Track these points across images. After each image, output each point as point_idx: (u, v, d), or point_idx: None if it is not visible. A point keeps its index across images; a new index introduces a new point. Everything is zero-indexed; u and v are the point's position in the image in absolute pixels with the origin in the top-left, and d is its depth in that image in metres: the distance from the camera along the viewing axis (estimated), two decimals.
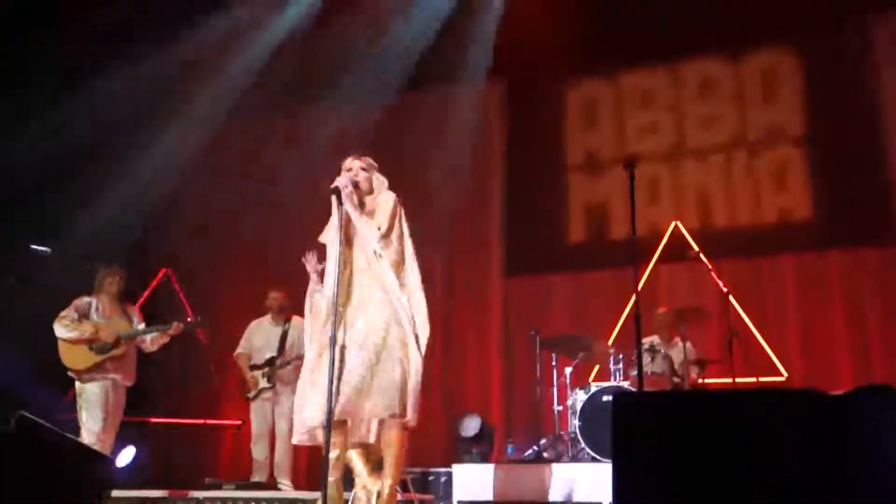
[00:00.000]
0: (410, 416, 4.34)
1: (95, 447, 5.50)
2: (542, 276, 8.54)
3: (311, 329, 4.61)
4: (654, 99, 8.49)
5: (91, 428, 5.69)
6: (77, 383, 5.86)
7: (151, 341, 6.06)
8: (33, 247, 5.70)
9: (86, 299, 5.96)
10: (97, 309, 5.96)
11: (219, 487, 6.88)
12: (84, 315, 5.89)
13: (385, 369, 4.29)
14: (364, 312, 4.37)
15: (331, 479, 4.31)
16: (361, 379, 4.23)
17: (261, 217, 8.64)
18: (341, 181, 4.41)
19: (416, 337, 4.41)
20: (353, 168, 4.55)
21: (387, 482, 4.32)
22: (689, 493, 2.61)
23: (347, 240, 4.47)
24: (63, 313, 5.86)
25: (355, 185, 4.48)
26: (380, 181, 4.61)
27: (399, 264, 4.43)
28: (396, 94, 8.66)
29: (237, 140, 9.18)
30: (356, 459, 4.72)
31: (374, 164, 4.66)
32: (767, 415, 2.66)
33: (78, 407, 5.81)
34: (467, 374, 8.52)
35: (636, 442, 2.67)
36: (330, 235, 4.52)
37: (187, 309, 8.48)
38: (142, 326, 6.03)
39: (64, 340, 5.81)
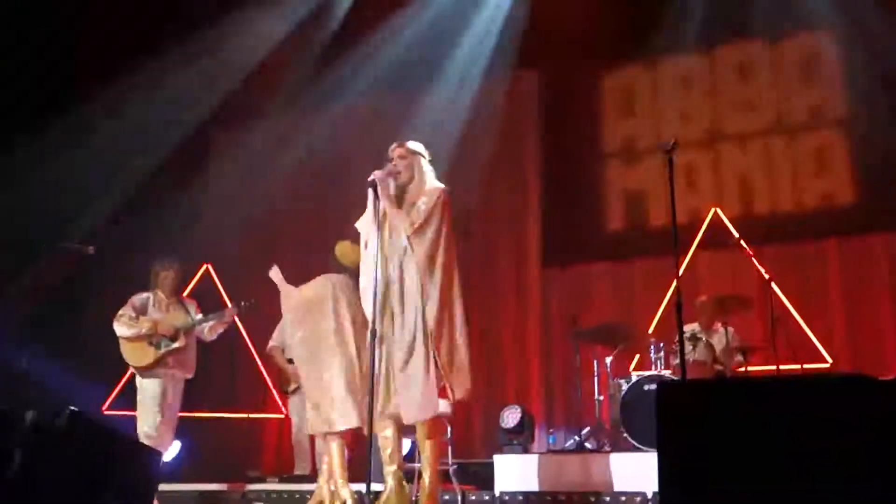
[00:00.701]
0: (429, 413, 4.27)
1: (152, 443, 5.56)
2: (581, 265, 8.50)
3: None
4: (692, 84, 8.38)
5: (148, 423, 5.71)
6: (137, 379, 5.88)
7: (209, 330, 6.05)
8: (74, 246, 5.79)
9: (143, 296, 5.97)
10: (154, 304, 5.96)
11: (262, 481, 6.98)
12: (142, 312, 5.90)
13: (413, 370, 4.26)
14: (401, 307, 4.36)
15: (389, 468, 4.35)
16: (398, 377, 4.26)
17: (300, 210, 8.69)
18: (378, 174, 4.39)
19: (429, 338, 4.28)
20: (393, 157, 4.50)
21: (427, 474, 4.32)
22: (736, 482, 2.58)
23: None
24: (121, 312, 5.88)
25: (395, 175, 4.45)
26: (425, 169, 4.51)
27: (431, 259, 4.32)
28: (431, 88, 8.65)
29: (274, 133, 9.25)
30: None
31: (418, 149, 4.56)
32: (816, 401, 2.63)
33: (137, 402, 5.83)
34: (507, 366, 8.51)
35: (681, 431, 2.65)
36: (364, 227, 4.51)
37: (228, 301, 8.58)
38: (199, 317, 6.02)
39: (124, 339, 5.83)
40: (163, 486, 5.86)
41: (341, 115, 8.95)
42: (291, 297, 5.30)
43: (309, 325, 5.19)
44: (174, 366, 5.85)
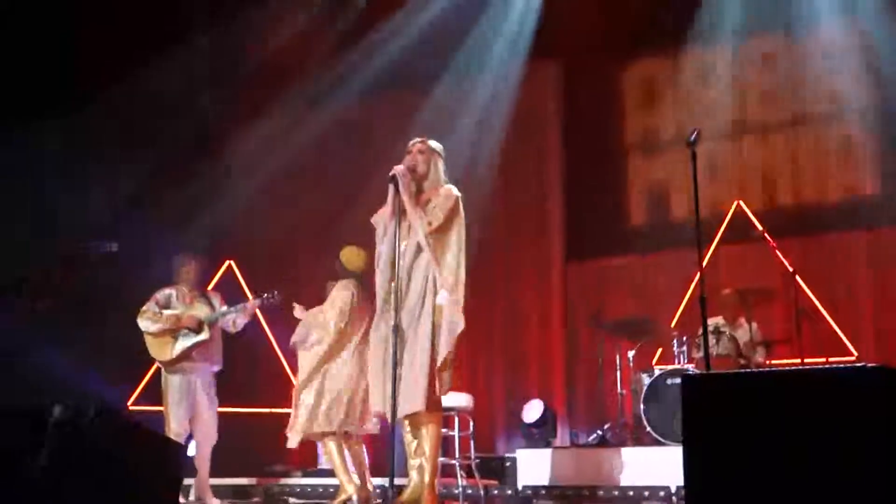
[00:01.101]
0: (423, 406, 4.22)
1: (180, 438, 5.58)
2: (603, 259, 8.47)
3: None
4: (714, 76, 8.31)
5: (176, 419, 5.71)
6: (163, 375, 5.88)
7: (234, 322, 6.04)
8: (99, 243, 5.83)
9: (166, 291, 5.95)
10: (177, 298, 5.94)
11: (286, 475, 7.01)
12: (165, 306, 5.89)
13: (417, 366, 4.25)
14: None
15: (413, 462, 4.35)
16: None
17: (322, 206, 8.70)
18: (399, 168, 4.41)
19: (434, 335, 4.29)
20: (412, 151, 4.53)
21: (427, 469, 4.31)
22: (761, 474, 2.56)
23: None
24: (144, 307, 5.88)
25: (412, 168, 4.47)
26: (440, 169, 4.55)
27: (443, 259, 4.34)
28: (449, 79, 8.64)
29: (293, 126, 9.27)
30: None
31: (438, 148, 4.60)
32: (841, 393, 2.61)
33: (163, 398, 5.83)
34: (529, 360, 8.50)
35: (707, 424, 2.64)
36: (382, 220, 4.53)
37: (251, 295, 8.63)
38: (223, 309, 6.00)
39: (149, 333, 5.83)
40: (191, 481, 5.90)
41: (359, 107, 8.96)
42: (319, 317, 5.46)
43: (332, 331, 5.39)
44: (199, 359, 5.84)
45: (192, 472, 5.78)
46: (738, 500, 2.57)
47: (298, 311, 5.61)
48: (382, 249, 4.50)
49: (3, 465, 2.94)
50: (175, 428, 5.68)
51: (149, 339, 5.85)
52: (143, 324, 5.83)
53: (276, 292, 5.96)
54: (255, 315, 6.44)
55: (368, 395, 4.93)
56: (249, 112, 9.04)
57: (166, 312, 5.86)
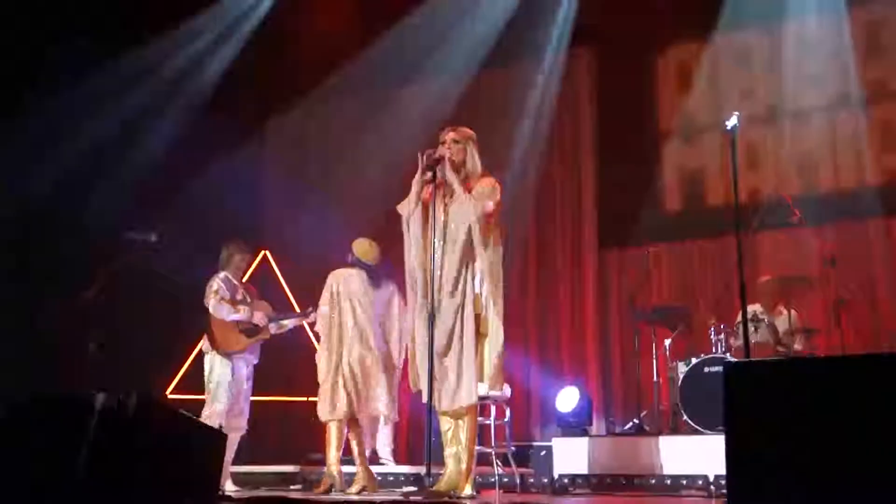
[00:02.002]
0: (463, 402, 4.28)
1: (221, 425, 5.62)
2: (638, 246, 8.40)
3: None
4: (752, 59, 8.19)
5: (220, 405, 5.75)
6: (208, 361, 5.89)
7: (280, 325, 6.11)
8: (136, 234, 5.87)
9: (220, 277, 5.91)
10: (230, 288, 5.94)
11: (323, 463, 7.05)
12: (231, 294, 5.89)
13: (452, 358, 4.30)
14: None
15: (449, 450, 4.37)
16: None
17: (357, 194, 8.73)
18: (443, 151, 4.43)
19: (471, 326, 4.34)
20: (446, 140, 4.51)
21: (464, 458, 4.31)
22: (804, 461, 2.53)
23: (426, 215, 4.48)
24: (218, 294, 5.83)
25: (448, 158, 4.47)
26: (476, 157, 4.54)
27: (484, 248, 4.38)
28: (483, 68, 8.60)
29: (332, 116, 9.31)
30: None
31: (471, 134, 4.58)
32: (883, 379, 2.57)
33: (207, 385, 5.87)
34: (564, 349, 8.47)
35: (748, 411, 2.61)
36: (407, 209, 4.54)
37: (285, 287, 8.68)
38: (287, 322, 6.17)
39: (221, 321, 5.82)
40: (235, 468, 5.96)
41: (393, 96, 8.96)
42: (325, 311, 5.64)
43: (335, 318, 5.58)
44: (247, 351, 5.90)
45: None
46: (780, 487, 2.54)
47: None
48: (412, 235, 4.50)
49: (49, 453, 2.99)
50: (219, 414, 5.70)
51: (218, 325, 5.83)
52: (221, 312, 5.80)
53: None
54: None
55: (373, 380, 5.06)
56: (289, 100, 9.09)
57: (240, 304, 5.87)
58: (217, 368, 5.83)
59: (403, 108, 8.83)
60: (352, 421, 5.57)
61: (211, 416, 5.71)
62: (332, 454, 5.52)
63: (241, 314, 5.83)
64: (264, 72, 9.00)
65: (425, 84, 8.79)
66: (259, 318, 5.88)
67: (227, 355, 5.81)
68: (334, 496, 5.29)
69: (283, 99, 9.32)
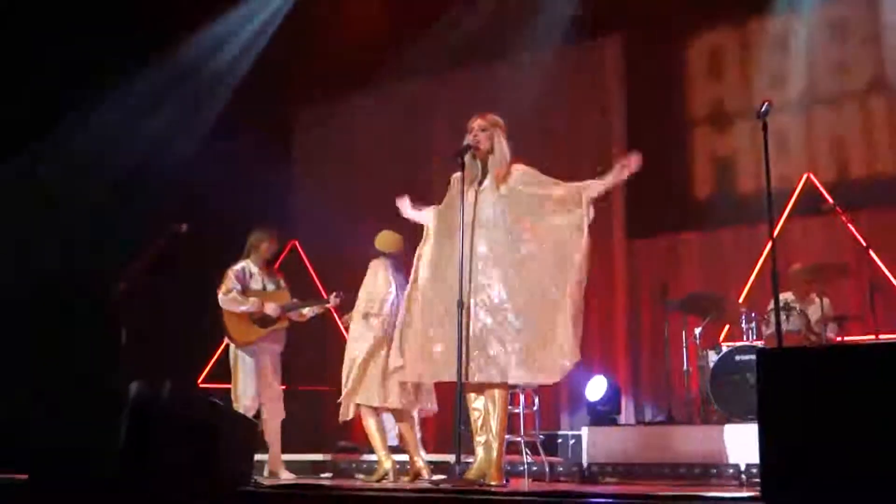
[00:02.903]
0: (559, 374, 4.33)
1: (249, 413, 5.65)
2: (668, 234, 8.33)
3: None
4: (784, 45, 8.07)
5: (248, 394, 5.76)
6: (232, 352, 5.92)
7: (302, 313, 6.09)
8: (170, 223, 5.92)
9: (238, 267, 5.92)
10: (250, 276, 5.94)
11: (354, 451, 7.11)
12: (244, 284, 5.89)
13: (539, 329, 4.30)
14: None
15: (479, 438, 4.37)
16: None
17: (385, 185, 8.74)
18: (469, 140, 4.43)
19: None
20: (473, 128, 4.50)
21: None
22: (840, 451, 2.51)
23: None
24: (227, 286, 5.84)
25: (476, 146, 4.46)
26: (504, 144, 4.52)
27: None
28: (512, 55, 8.57)
29: (360, 108, 9.32)
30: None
31: (498, 121, 4.57)
32: None
33: (233, 375, 5.89)
34: (592, 337, 8.41)
35: (783, 399, 2.58)
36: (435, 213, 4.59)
37: (315, 277, 8.73)
38: (306, 309, 6.09)
39: (230, 313, 5.84)
40: (262, 457, 5.99)
41: (420, 87, 8.95)
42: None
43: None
44: (269, 340, 5.90)
45: (263, 448, 5.88)
46: (815, 476, 2.52)
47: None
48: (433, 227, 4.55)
49: (85, 440, 3.04)
50: (246, 403, 5.75)
51: (229, 318, 5.86)
52: (228, 304, 5.82)
53: (341, 292, 6.00)
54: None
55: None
56: (318, 93, 9.11)
57: (250, 294, 5.86)
58: (236, 360, 5.87)
59: (431, 100, 8.82)
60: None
61: (238, 407, 5.74)
62: (379, 444, 5.54)
63: (250, 305, 5.81)
64: (292, 65, 9.02)
65: (453, 75, 8.77)
66: (271, 308, 5.85)
67: (244, 346, 5.83)
68: (364, 484, 5.31)
69: (311, 92, 9.34)
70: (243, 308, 5.81)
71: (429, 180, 7.93)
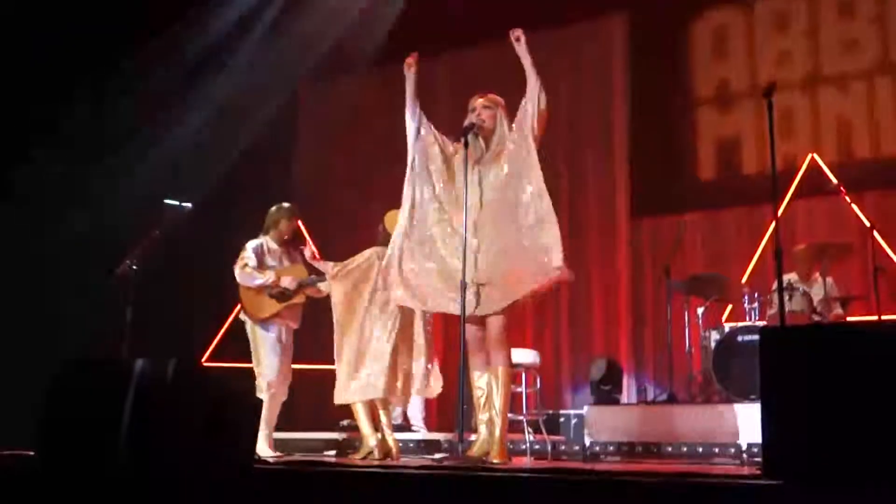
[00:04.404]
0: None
1: (273, 390, 5.65)
2: (671, 214, 8.32)
3: None
4: (789, 23, 8.02)
5: (270, 369, 5.71)
6: (250, 329, 5.85)
7: (319, 289, 5.98)
8: (172, 202, 5.91)
9: (256, 243, 5.85)
10: (268, 251, 5.89)
11: (355, 429, 7.12)
12: (260, 260, 5.83)
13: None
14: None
15: (482, 416, 4.40)
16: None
17: (389, 164, 8.73)
18: (473, 119, 4.42)
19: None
20: (476, 108, 4.50)
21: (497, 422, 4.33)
22: (842, 429, 2.52)
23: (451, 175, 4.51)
24: (243, 260, 5.78)
25: (479, 124, 4.46)
26: (505, 124, 4.52)
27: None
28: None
29: (364, 87, 9.30)
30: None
31: (500, 101, 4.57)
32: None
33: (253, 352, 5.83)
34: (595, 317, 8.45)
35: (786, 378, 2.59)
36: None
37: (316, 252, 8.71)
38: (315, 277, 5.96)
39: (247, 288, 5.79)
40: (280, 434, 6.00)
41: (425, 69, 8.89)
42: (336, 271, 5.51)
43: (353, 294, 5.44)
44: (287, 316, 5.84)
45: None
46: (816, 454, 2.53)
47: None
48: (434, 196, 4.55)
49: (90, 416, 3.06)
50: (269, 379, 5.67)
51: (246, 293, 5.80)
52: (244, 278, 5.75)
53: None
54: None
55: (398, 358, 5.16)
56: (322, 72, 9.07)
57: (266, 269, 5.80)
58: (257, 336, 5.80)
59: (433, 77, 8.76)
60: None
61: (260, 385, 5.69)
62: (365, 422, 5.48)
63: (265, 279, 5.74)
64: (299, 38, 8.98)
65: (454, 52, 8.72)
66: (288, 281, 5.78)
67: (262, 321, 5.83)
68: (366, 462, 5.34)
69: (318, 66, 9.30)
70: (258, 282, 5.74)
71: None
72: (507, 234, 4.35)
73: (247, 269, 5.75)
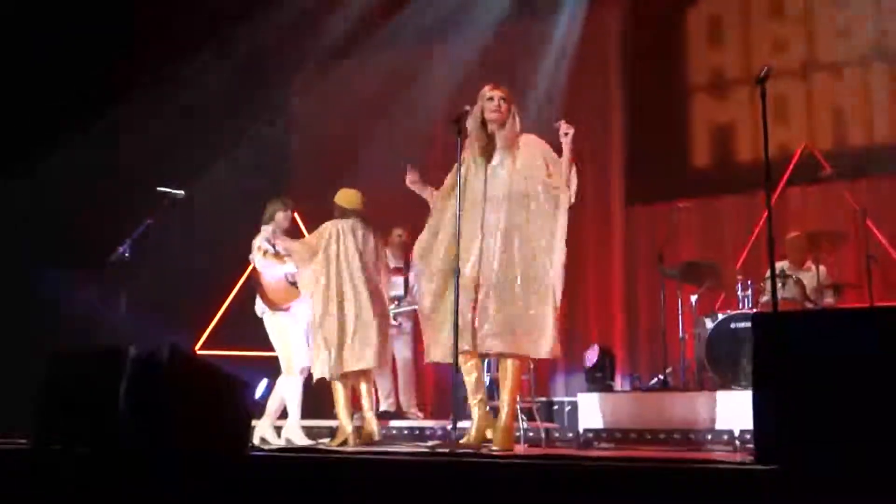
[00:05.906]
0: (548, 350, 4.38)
1: (304, 378, 5.64)
2: (666, 202, 8.32)
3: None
4: (784, 11, 8.02)
5: (300, 358, 5.69)
6: (270, 322, 5.81)
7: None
8: (165, 190, 5.89)
9: (267, 232, 5.83)
10: (275, 241, 5.82)
11: (350, 418, 7.11)
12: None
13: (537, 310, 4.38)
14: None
15: (474, 399, 4.41)
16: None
17: (383, 151, 8.72)
18: (493, 107, 4.42)
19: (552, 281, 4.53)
20: (494, 98, 4.48)
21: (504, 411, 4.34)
22: (834, 415, 2.53)
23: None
24: (262, 249, 5.76)
25: (501, 119, 4.46)
26: (517, 120, 4.53)
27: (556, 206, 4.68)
28: (511, 21, 8.49)
29: (356, 74, 9.26)
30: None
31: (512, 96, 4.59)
32: None
33: (275, 341, 5.79)
34: (589, 305, 8.46)
35: (778, 364, 2.60)
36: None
37: None
38: None
39: (265, 279, 5.75)
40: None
41: (418, 54, 8.88)
42: (295, 248, 5.54)
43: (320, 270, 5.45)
44: (304, 304, 5.78)
45: (259, 415, 5.86)
46: (808, 440, 2.54)
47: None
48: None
49: (84, 403, 3.06)
50: (306, 363, 5.64)
51: (267, 284, 5.77)
52: (269, 264, 5.72)
53: None
54: None
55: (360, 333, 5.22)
56: (314, 58, 9.03)
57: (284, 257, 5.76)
58: (282, 325, 5.76)
59: (428, 66, 8.75)
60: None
61: (292, 375, 5.66)
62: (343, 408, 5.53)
63: (290, 264, 5.70)
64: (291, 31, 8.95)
65: (450, 41, 8.69)
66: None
67: (280, 310, 5.76)
68: (360, 448, 5.34)
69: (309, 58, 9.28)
70: (286, 268, 5.71)
71: (428, 145, 7.96)
72: (517, 285, 4.42)
73: (268, 256, 5.73)
